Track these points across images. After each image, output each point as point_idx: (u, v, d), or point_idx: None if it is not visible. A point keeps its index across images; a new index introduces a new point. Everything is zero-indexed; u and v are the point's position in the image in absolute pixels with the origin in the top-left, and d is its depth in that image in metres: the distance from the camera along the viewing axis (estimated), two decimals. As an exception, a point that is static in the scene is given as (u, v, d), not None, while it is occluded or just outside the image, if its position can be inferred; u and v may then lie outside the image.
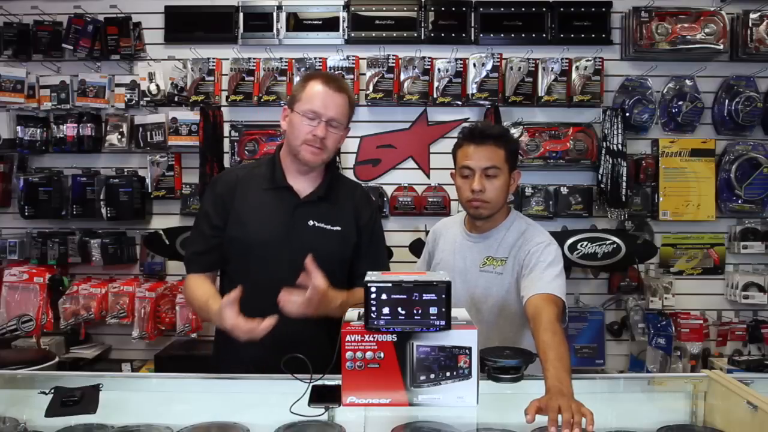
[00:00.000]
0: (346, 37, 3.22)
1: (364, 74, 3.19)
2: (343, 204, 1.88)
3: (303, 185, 1.85)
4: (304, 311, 1.62)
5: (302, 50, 3.22)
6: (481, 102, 3.18)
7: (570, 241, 3.01)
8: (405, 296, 1.42)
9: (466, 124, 2.99)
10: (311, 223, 1.82)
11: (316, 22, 3.23)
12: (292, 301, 1.61)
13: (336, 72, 3.17)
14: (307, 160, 1.79)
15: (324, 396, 1.44)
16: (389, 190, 3.25)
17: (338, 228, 1.84)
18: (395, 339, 1.42)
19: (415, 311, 1.42)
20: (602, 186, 3.13)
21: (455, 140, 1.99)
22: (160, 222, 3.29)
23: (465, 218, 2.05)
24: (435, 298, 1.42)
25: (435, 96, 3.18)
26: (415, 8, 3.20)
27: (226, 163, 3.21)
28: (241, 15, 3.23)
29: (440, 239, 2.10)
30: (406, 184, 3.24)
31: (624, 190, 3.05)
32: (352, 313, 1.55)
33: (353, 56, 3.19)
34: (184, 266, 1.90)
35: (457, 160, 1.94)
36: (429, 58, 3.18)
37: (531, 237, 1.89)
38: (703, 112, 3.20)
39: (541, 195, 3.20)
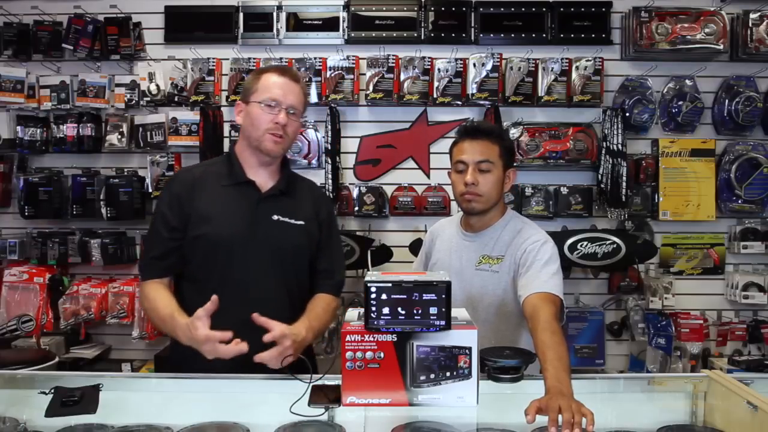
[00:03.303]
0: (346, 37, 3.22)
1: (364, 74, 3.19)
2: (303, 199, 1.90)
3: (263, 180, 1.85)
4: (286, 359, 1.60)
5: (302, 50, 3.22)
6: (481, 102, 3.17)
7: (570, 241, 3.01)
8: (405, 296, 1.42)
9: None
10: (275, 217, 1.82)
11: (316, 22, 3.23)
12: (270, 358, 1.58)
13: (336, 72, 3.17)
14: (269, 150, 1.80)
15: (324, 396, 1.45)
16: (389, 190, 3.25)
17: (302, 222, 1.85)
18: (395, 339, 1.42)
19: (415, 311, 1.42)
20: (602, 186, 3.13)
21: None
22: (160, 222, 3.28)
23: (461, 218, 2.05)
24: (435, 298, 1.42)
25: (435, 96, 3.18)
26: (415, 8, 3.20)
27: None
28: (241, 15, 3.23)
29: (437, 239, 2.10)
30: (406, 184, 3.24)
31: (624, 190, 3.05)
32: (352, 313, 1.55)
33: (353, 56, 3.19)
34: (139, 273, 1.86)
35: (452, 157, 1.97)
36: (429, 58, 3.18)
37: (527, 235, 1.90)
38: (703, 112, 3.19)
39: (541, 195, 3.20)
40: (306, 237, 1.86)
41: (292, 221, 1.84)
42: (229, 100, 3.21)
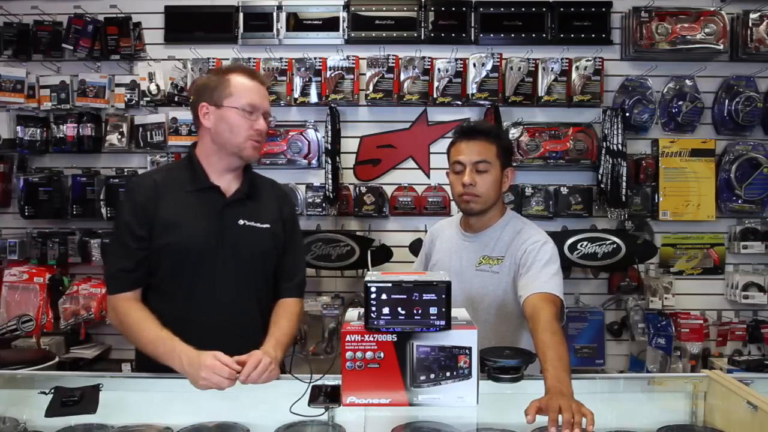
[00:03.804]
0: (346, 37, 3.22)
1: (364, 74, 3.19)
2: (267, 200, 1.87)
3: (227, 184, 1.80)
4: (271, 377, 1.57)
5: (302, 50, 3.22)
6: (481, 102, 3.17)
7: (570, 241, 3.02)
8: (405, 296, 1.42)
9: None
10: (242, 222, 1.78)
11: (316, 22, 3.23)
12: (256, 378, 1.53)
13: (336, 72, 3.17)
14: (250, 157, 1.78)
15: (324, 396, 1.45)
16: (389, 190, 3.25)
17: (267, 225, 1.82)
18: (395, 339, 1.42)
19: (415, 311, 1.42)
20: (602, 186, 3.13)
21: (452, 141, 2.01)
22: (160, 222, 3.28)
23: (461, 218, 2.05)
24: (435, 298, 1.42)
25: (435, 96, 3.18)
26: (415, 8, 3.20)
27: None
28: (241, 15, 3.23)
29: (437, 240, 2.10)
30: (406, 184, 3.24)
31: (624, 190, 3.05)
32: (352, 313, 1.55)
33: (353, 56, 3.19)
34: (107, 286, 1.76)
35: (450, 158, 1.97)
36: (429, 58, 3.18)
37: (527, 236, 1.90)
38: (703, 112, 3.19)
39: (541, 195, 3.20)
40: (273, 240, 1.83)
41: (259, 225, 1.80)
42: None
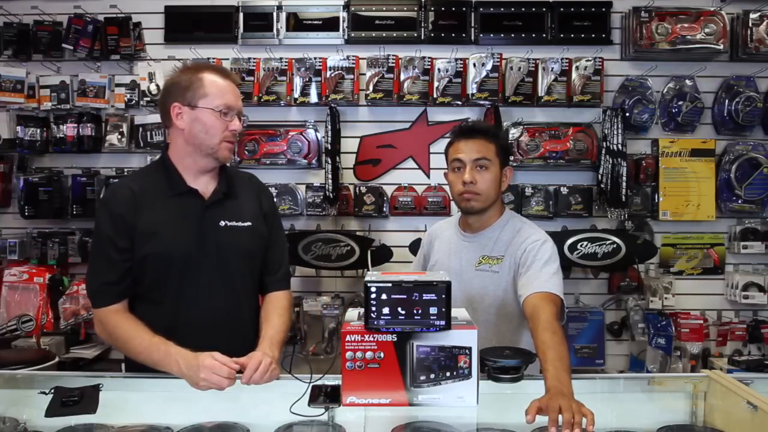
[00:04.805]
0: (346, 37, 3.22)
1: (364, 74, 3.19)
2: (245, 197, 1.83)
3: (204, 186, 1.77)
4: (273, 376, 1.56)
5: (302, 50, 3.22)
6: (481, 102, 3.17)
7: (570, 241, 3.02)
8: (405, 296, 1.42)
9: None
10: (223, 223, 1.75)
11: (316, 22, 3.23)
12: (259, 378, 1.52)
13: (336, 72, 3.17)
14: (225, 158, 1.75)
15: (324, 396, 1.45)
16: (389, 190, 3.25)
17: (249, 223, 1.79)
18: (395, 339, 1.42)
19: (415, 311, 1.42)
20: (602, 186, 3.12)
21: (450, 142, 2.01)
22: (160, 222, 3.28)
23: (459, 219, 2.06)
24: (435, 298, 1.42)
25: (435, 96, 3.18)
26: (415, 8, 3.20)
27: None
28: (241, 15, 3.23)
29: (436, 241, 2.10)
30: (406, 184, 3.24)
31: (624, 190, 3.05)
32: (352, 313, 1.55)
33: (353, 56, 3.19)
34: (92, 300, 1.72)
35: (449, 157, 1.97)
36: (429, 58, 3.18)
37: (527, 235, 1.90)
38: (703, 112, 3.19)
39: (541, 195, 3.20)
40: (256, 237, 1.81)
41: (240, 224, 1.77)
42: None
